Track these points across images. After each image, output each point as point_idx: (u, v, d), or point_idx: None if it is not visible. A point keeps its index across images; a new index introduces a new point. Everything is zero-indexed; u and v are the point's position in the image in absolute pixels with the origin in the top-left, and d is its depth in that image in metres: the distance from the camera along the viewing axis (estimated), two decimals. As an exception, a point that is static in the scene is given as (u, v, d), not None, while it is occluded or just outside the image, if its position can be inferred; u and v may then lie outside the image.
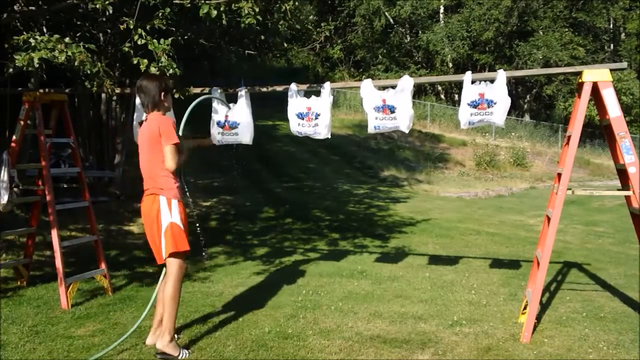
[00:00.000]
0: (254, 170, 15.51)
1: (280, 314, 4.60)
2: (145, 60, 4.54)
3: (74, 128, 5.43)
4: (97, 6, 4.60)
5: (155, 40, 4.55)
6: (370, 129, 4.47)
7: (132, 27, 4.59)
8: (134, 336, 4.04)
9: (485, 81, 4.19)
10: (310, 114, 4.54)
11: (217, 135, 4.78)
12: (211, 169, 13.91)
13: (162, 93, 3.80)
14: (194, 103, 4.39)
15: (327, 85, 4.54)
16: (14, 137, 5.11)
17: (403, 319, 4.53)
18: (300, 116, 4.58)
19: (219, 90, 4.73)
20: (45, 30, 5.57)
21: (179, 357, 3.66)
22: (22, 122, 5.08)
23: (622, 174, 4.12)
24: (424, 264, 6.70)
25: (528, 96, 33.34)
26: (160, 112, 3.82)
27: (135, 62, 4.58)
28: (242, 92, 4.72)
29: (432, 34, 30.31)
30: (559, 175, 4.24)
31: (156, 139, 3.68)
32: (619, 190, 4.32)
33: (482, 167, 21.19)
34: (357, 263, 6.69)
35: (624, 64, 4.32)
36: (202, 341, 3.96)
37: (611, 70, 4.02)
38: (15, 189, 4.87)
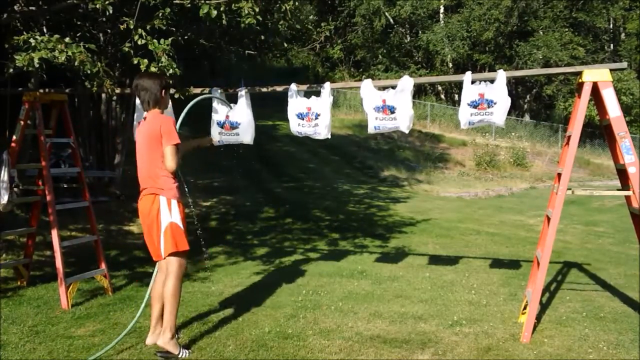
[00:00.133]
0: (254, 170, 15.51)
1: (280, 314, 4.60)
2: (146, 60, 4.54)
3: (74, 128, 5.43)
4: (97, 6, 4.60)
5: (155, 40, 4.55)
6: (370, 129, 4.47)
7: (132, 27, 4.59)
8: (134, 336, 4.04)
9: (485, 81, 4.19)
10: (310, 114, 4.54)
11: (217, 135, 4.78)
12: (211, 169, 13.91)
13: (163, 90, 3.81)
14: (193, 102, 4.39)
15: (327, 86, 4.54)
16: (14, 137, 5.11)
17: (403, 319, 4.53)
18: (300, 116, 4.58)
19: (219, 90, 4.72)
20: (45, 30, 5.57)
21: (180, 356, 3.66)
22: (22, 122, 5.08)
23: (622, 174, 4.12)
24: (424, 264, 6.70)
25: (528, 96, 33.34)
26: (159, 110, 3.82)
27: (135, 62, 4.58)
28: (242, 92, 4.71)
29: (432, 34, 30.31)
30: (559, 175, 4.24)
31: (157, 137, 3.67)
32: (619, 190, 4.32)
33: (482, 167, 21.19)
34: (357, 263, 6.69)
35: (624, 64, 4.32)
36: (202, 341, 3.96)
37: (611, 70, 4.02)
38: (15, 189, 4.87)
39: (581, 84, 4.01)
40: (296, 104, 4.59)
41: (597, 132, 25.61)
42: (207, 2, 4.86)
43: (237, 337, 4.05)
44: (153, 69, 4.47)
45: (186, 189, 4.01)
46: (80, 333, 4.14)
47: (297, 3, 5.65)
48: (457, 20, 30.45)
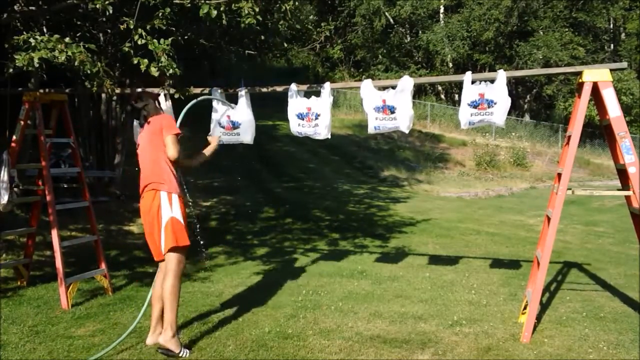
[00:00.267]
0: (254, 170, 15.51)
1: (280, 314, 4.60)
2: (146, 60, 4.53)
3: (74, 128, 5.43)
4: (97, 6, 4.60)
5: (155, 40, 4.55)
6: (371, 130, 4.47)
7: (132, 27, 4.58)
8: (134, 336, 4.04)
9: (485, 81, 4.19)
10: (311, 115, 4.54)
11: (218, 134, 4.77)
12: (211, 169, 13.90)
13: (157, 101, 4.03)
14: (191, 103, 4.40)
15: (327, 86, 4.54)
16: (14, 137, 5.11)
17: (403, 319, 4.53)
18: (301, 116, 4.58)
19: (219, 91, 4.73)
20: (45, 30, 5.56)
21: (180, 355, 3.66)
22: (22, 122, 5.08)
23: (622, 174, 4.12)
24: (424, 264, 6.70)
25: (528, 96, 33.33)
26: (159, 114, 3.94)
27: (135, 62, 4.57)
28: (242, 92, 4.72)
29: (432, 34, 30.29)
30: (559, 175, 4.24)
31: (158, 133, 3.77)
32: (619, 190, 4.32)
33: (482, 167, 21.19)
34: (357, 263, 6.69)
35: (624, 64, 4.32)
36: (202, 341, 3.96)
37: (611, 70, 4.02)
38: (15, 189, 4.87)
39: (581, 84, 4.01)
40: (296, 104, 4.59)
41: (597, 132, 25.60)
42: (207, 2, 4.85)
43: (237, 337, 4.05)
44: (153, 69, 4.46)
45: (185, 190, 4.01)
46: (80, 333, 4.14)
47: (297, 3, 5.64)
48: (457, 20, 30.44)
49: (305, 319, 4.48)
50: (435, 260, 6.92)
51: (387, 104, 4.33)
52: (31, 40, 4.30)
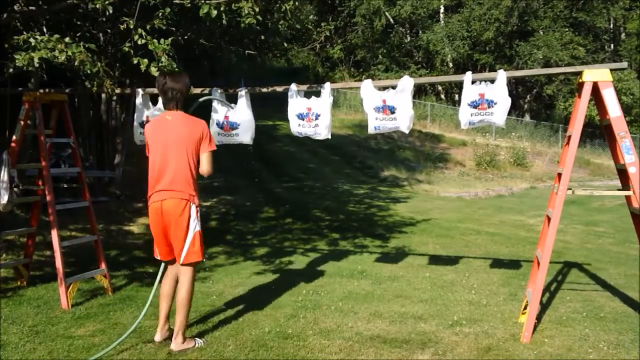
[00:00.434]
0: (254, 170, 15.51)
1: (280, 314, 4.60)
2: (146, 60, 4.54)
3: (74, 128, 5.43)
4: (97, 6, 4.60)
5: (155, 40, 4.55)
6: (371, 130, 4.47)
7: (132, 27, 4.59)
8: (134, 336, 4.04)
9: (485, 81, 4.19)
10: (311, 115, 4.54)
11: (216, 136, 4.77)
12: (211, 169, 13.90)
13: (187, 92, 3.92)
14: (195, 105, 4.40)
15: (327, 86, 4.53)
16: (14, 137, 5.11)
17: (403, 319, 4.52)
18: (301, 117, 4.57)
19: (219, 91, 4.72)
20: (45, 30, 5.57)
21: (196, 346, 3.82)
22: (22, 122, 5.08)
23: (622, 174, 4.12)
24: (424, 264, 6.70)
25: (528, 96, 33.33)
26: (183, 112, 3.85)
27: (135, 62, 4.58)
28: (242, 93, 4.71)
29: (432, 34, 30.30)
30: (559, 175, 4.24)
31: (197, 141, 3.74)
32: (619, 190, 4.32)
33: (482, 167, 21.19)
34: (357, 263, 6.69)
35: (624, 64, 4.31)
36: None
37: (611, 70, 4.01)
38: (15, 189, 4.87)
39: (581, 84, 4.01)
40: (296, 104, 4.58)
41: (597, 132, 25.60)
42: (207, 2, 4.86)
43: (237, 337, 4.05)
44: (153, 69, 4.47)
45: None
46: (80, 333, 4.13)
47: (297, 3, 5.65)
48: (457, 20, 30.44)
49: (305, 319, 4.48)
50: (435, 260, 6.92)
51: (387, 104, 4.33)
52: (31, 40, 4.30)
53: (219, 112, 4.73)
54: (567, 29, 29.93)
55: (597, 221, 10.91)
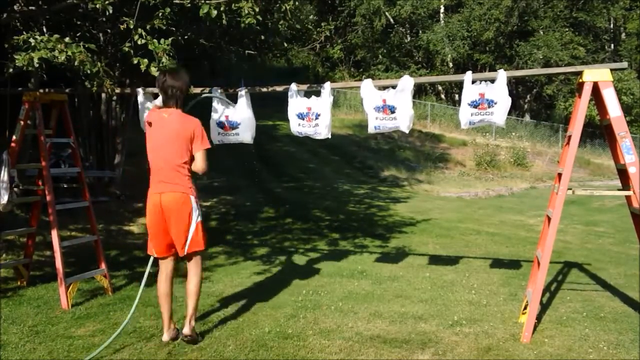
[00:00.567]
0: (254, 170, 15.51)
1: (280, 314, 4.60)
2: (146, 60, 4.54)
3: (74, 128, 5.43)
4: (97, 6, 4.59)
5: (155, 40, 4.55)
6: (371, 129, 4.46)
7: (132, 27, 4.59)
8: (134, 336, 4.04)
9: (485, 81, 4.18)
10: (311, 114, 4.53)
11: (217, 135, 4.77)
12: (211, 169, 13.89)
13: (186, 90, 3.98)
14: (193, 101, 4.40)
15: (327, 85, 4.53)
16: (14, 137, 5.11)
17: (403, 319, 4.52)
18: (301, 116, 4.57)
19: (219, 90, 4.73)
20: (45, 30, 5.56)
21: (199, 342, 3.90)
22: (22, 122, 5.08)
23: (623, 174, 4.12)
24: (424, 264, 6.69)
25: (528, 96, 33.33)
26: (181, 110, 3.89)
27: (135, 62, 4.58)
28: (242, 92, 4.71)
29: (433, 34, 30.30)
30: (559, 175, 4.24)
31: (188, 139, 3.79)
32: (619, 190, 4.32)
33: (482, 167, 21.19)
34: (357, 263, 6.69)
35: (625, 64, 4.31)
36: (202, 341, 3.96)
37: (611, 70, 4.01)
38: (15, 189, 4.87)
39: (581, 84, 4.01)
40: (296, 103, 4.58)
41: (598, 132, 25.59)
42: (207, 2, 4.85)
43: (237, 337, 4.05)
44: (153, 69, 4.47)
45: None
46: (80, 333, 4.13)
47: (297, 3, 5.64)
48: (458, 20, 30.44)
49: (305, 319, 4.48)
50: (435, 260, 6.92)
51: (388, 104, 4.33)
52: (31, 40, 4.30)
53: (219, 111, 4.73)
54: (567, 29, 29.93)
55: (597, 221, 10.91)
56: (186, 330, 3.88)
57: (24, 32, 4.51)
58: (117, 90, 5.03)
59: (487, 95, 4.11)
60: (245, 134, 4.75)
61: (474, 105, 4.15)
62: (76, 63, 4.36)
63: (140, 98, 4.80)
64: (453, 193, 15.81)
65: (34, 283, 5.46)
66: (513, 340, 4.02)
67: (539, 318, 4.42)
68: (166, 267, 3.94)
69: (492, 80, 4.16)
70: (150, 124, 3.89)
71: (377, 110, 4.37)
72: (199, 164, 3.85)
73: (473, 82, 4.19)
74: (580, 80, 4.02)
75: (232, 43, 7.72)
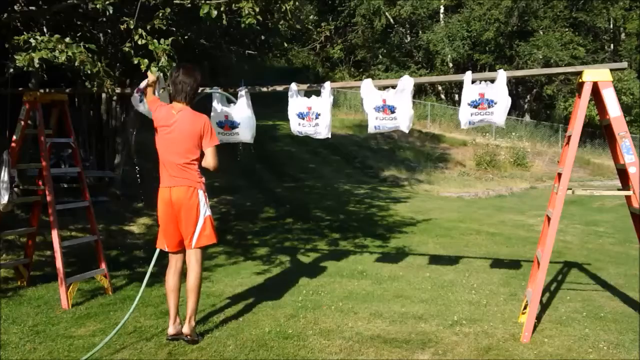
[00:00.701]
0: (255, 170, 15.51)
1: (281, 314, 4.60)
2: (146, 60, 4.53)
3: (74, 128, 5.43)
4: (98, 6, 4.60)
5: (155, 41, 4.55)
6: (371, 129, 4.47)
7: (132, 27, 4.59)
8: (134, 336, 4.04)
9: (485, 81, 4.19)
10: (311, 114, 4.54)
11: (217, 135, 4.76)
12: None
13: (197, 87, 4.00)
14: (196, 98, 4.40)
15: (328, 85, 4.53)
16: (14, 137, 5.12)
17: (403, 319, 4.53)
18: (301, 116, 4.58)
19: (219, 90, 4.73)
20: (45, 30, 5.57)
21: (199, 342, 3.92)
22: (22, 122, 5.08)
23: (622, 173, 4.12)
24: (424, 264, 6.70)
25: (528, 96, 33.31)
26: (190, 106, 3.95)
27: (135, 62, 4.58)
28: (242, 92, 4.72)
29: (433, 34, 30.28)
30: (559, 175, 4.24)
31: (198, 135, 3.85)
32: (619, 190, 4.32)
33: (482, 167, 21.18)
34: (358, 263, 6.69)
35: (624, 64, 4.32)
36: (202, 341, 3.97)
37: (611, 70, 4.02)
38: (15, 189, 4.87)
39: (581, 84, 4.01)
40: (296, 103, 4.59)
41: (597, 132, 25.59)
42: (207, 2, 4.85)
43: (237, 337, 4.05)
44: (153, 69, 4.47)
45: None
46: (81, 333, 4.14)
47: (297, 3, 5.64)
48: (458, 20, 30.42)
49: (305, 319, 4.48)
50: (435, 260, 6.92)
51: (388, 104, 4.33)
52: (31, 40, 4.30)
53: (219, 111, 4.74)
54: (567, 29, 29.91)
55: (597, 221, 10.91)
56: (186, 330, 3.90)
57: (25, 33, 4.51)
58: (117, 90, 5.03)
59: (487, 95, 4.12)
60: (246, 133, 4.75)
61: (474, 105, 4.15)
62: (77, 63, 4.36)
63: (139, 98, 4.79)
64: (453, 193, 15.81)
65: (34, 283, 5.46)
66: (513, 340, 4.02)
67: (538, 318, 4.42)
68: (176, 261, 4.00)
69: (492, 80, 4.17)
70: (158, 118, 3.93)
71: (377, 110, 4.38)
72: (210, 161, 3.92)
73: (473, 82, 4.20)
74: (580, 80, 4.02)
75: (232, 43, 7.73)
